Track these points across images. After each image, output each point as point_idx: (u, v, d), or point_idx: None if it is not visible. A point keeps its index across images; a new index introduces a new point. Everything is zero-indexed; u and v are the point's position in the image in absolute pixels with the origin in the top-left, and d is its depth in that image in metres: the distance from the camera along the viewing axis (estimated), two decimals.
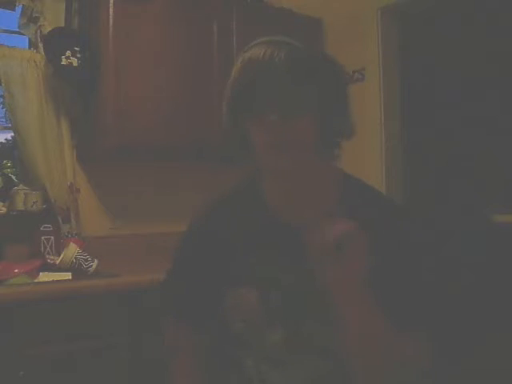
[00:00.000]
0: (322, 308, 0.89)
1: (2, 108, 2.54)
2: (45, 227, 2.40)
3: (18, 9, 2.42)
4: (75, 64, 2.35)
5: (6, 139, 2.70)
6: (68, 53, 2.35)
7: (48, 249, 2.39)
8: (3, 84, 2.36)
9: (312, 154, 0.88)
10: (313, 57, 0.86)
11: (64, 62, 2.34)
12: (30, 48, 2.51)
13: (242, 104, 0.85)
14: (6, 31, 2.52)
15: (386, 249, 0.86)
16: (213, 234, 0.98)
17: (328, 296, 0.85)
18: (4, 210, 2.38)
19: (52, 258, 2.32)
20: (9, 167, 2.57)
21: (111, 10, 2.33)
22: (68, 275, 2.17)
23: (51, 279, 2.11)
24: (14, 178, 2.53)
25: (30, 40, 2.51)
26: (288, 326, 0.91)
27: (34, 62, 2.40)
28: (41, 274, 2.17)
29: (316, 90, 0.85)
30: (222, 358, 1.00)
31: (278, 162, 0.85)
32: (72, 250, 2.23)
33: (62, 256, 2.22)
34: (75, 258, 2.22)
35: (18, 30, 2.48)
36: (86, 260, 2.23)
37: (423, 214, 2.64)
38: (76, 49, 2.37)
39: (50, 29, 2.39)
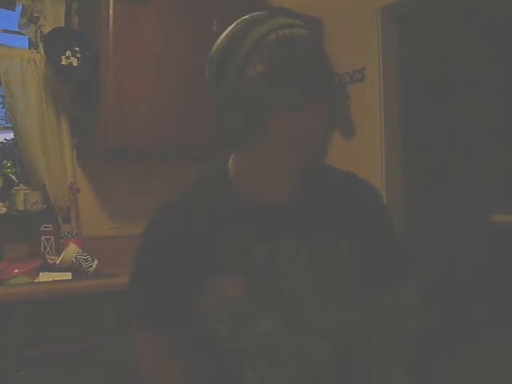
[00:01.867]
0: (315, 288, 0.88)
1: (2, 108, 2.54)
2: (45, 227, 2.40)
3: (18, 9, 2.42)
4: (75, 64, 2.35)
5: (6, 139, 2.70)
6: (68, 53, 2.35)
7: (48, 249, 2.39)
8: (3, 84, 2.36)
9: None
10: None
11: (64, 62, 2.34)
12: (29, 48, 2.51)
13: (288, 79, 0.78)
14: (6, 31, 2.52)
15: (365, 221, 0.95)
16: (183, 225, 0.89)
17: (322, 275, 0.87)
18: (4, 210, 2.38)
19: (52, 258, 2.32)
20: (9, 167, 2.56)
21: (111, 10, 2.33)
22: (68, 275, 2.18)
23: (51, 279, 2.11)
24: (13, 177, 2.52)
25: (29, 40, 2.51)
26: (281, 310, 0.86)
27: (34, 62, 2.40)
28: (41, 274, 2.17)
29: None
30: (210, 365, 0.92)
31: (298, 149, 0.82)
32: (72, 250, 2.23)
33: (61, 256, 2.22)
34: (75, 258, 2.22)
35: (18, 30, 2.48)
36: (86, 260, 2.23)
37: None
38: (76, 49, 2.37)
39: (49, 29, 2.39)
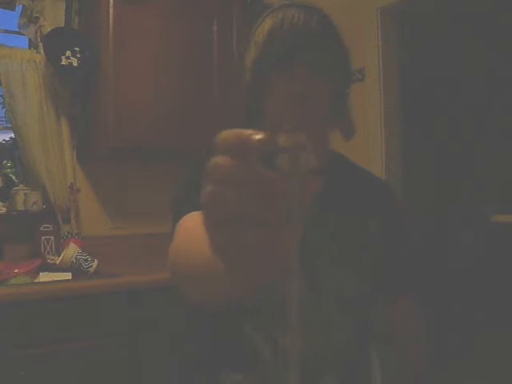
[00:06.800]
0: (336, 259, 0.89)
1: (2, 108, 2.54)
2: (45, 227, 2.40)
3: (18, 9, 2.43)
4: (75, 64, 2.35)
5: (7, 139, 2.70)
6: (68, 53, 2.35)
7: (48, 249, 2.39)
8: (3, 84, 2.36)
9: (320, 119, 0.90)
10: (334, 28, 0.96)
11: (64, 62, 2.34)
12: (30, 48, 2.52)
13: (275, 57, 0.88)
14: (6, 31, 2.52)
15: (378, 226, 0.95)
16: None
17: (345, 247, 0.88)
18: (4, 210, 2.38)
19: (52, 258, 2.32)
20: (9, 167, 2.57)
21: (111, 10, 2.33)
22: (68, 275, 2.18)
23: (51, 279, 2.11)
24: (13, 178, 2.53)
25: (30, 40, 2.51)
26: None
27: (34, 62, 2.40)
28: (41, 274, 2.17)
29: (336, 62, 0.93)
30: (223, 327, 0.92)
31: (293, 113, 0.87)
32: (72, 250, 2.23)
33: (62, 256, 2.22)
34: (75, 258, 2.22)
35: (18, 29, 2.48)
36: (86, 260, 2.23)
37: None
38: (76, 49, 2.37)
39: (49, 29, 2.39)
